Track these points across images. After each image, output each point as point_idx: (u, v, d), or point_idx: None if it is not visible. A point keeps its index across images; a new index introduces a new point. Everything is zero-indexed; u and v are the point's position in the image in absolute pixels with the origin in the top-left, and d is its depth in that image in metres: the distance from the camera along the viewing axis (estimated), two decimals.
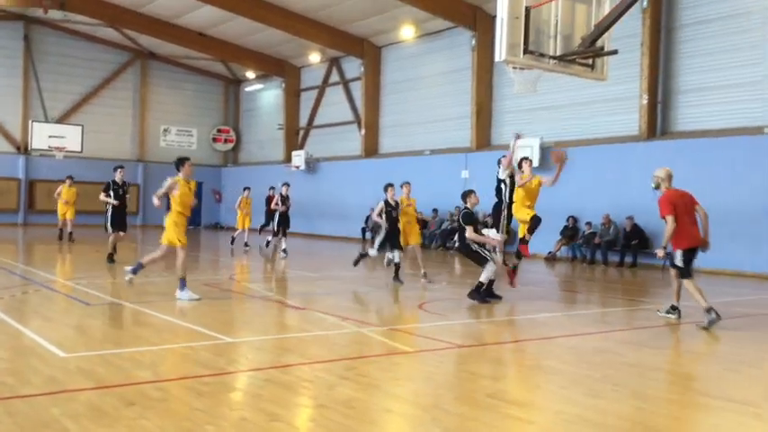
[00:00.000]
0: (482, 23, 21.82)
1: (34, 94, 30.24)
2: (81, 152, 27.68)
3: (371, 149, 26.97)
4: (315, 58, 29.18)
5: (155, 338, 7.07)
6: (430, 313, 9.13)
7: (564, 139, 20.00)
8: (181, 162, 9.70)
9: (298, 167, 29.38)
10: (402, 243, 12.37)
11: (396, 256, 12.08)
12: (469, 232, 9.81)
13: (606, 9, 9.66)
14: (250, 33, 27.73)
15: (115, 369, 5.70)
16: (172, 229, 9.53)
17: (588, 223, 18.88)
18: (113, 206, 14.75)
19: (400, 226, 12.34)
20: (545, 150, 20.01)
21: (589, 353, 7.15)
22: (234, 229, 22.10)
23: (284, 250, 17.84)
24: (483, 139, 22.50)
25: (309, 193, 28.06)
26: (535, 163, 19.69)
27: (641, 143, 17.94)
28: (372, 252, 12.29)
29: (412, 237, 12.63)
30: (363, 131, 27.05)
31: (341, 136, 28.81)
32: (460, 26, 22.44)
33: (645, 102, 17.78)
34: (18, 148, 30.05)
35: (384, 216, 12.16)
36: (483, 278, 9.79)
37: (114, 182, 15.11)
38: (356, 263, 12.63)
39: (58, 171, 29.71)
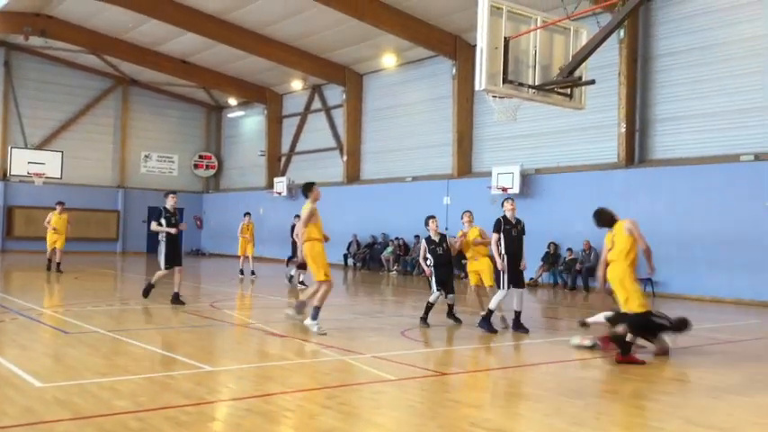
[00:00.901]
0: (462, 52, 22.12)
1: (14, 120, 30.03)
2: (61, 178, 27.43)
3: (353, 176, 27.05)
4: (297, 85, 29.35)
5: (134, 367, 6.97)
6: (412, 340, 9.10)
7: (544, 166, 20.22)
8: (309, 188, 9.50)
9: (280, 194, 29.36)
10: (472, 282, 10.91)
11: (450, 298, 10.42)
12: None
13: (584, 40, 9.87)
14: (232, 61, 27.86)
15: (93, 399, 5.60)
16: (320, 261, 9.17)
17: (569, 249, 19.02)
18: (167, 238, 12.40)
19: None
20: (525, 177, 20.22)
21: (571, 380, 7.17)
22: (237, 257, 21.87)
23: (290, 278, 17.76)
24: (464, 166, 22.68)
25: (291, 219, 27.98)
26: (515, 189, 20.00)
27: (620, 170, 18.18)
28: (433, 298, 10.28)
29: (485, 275, 10.49)
30: (345, 158, 27.14)
31: (323, 162, 28.89)
32: (441, 55, 22.72)
33: (623, 130, 18.06)
34: None
35: (430, 256, 10.35)
36: (492, 305, 9.86)
37: (166, 209, 12.67)
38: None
39: (38, 197, 29.52)
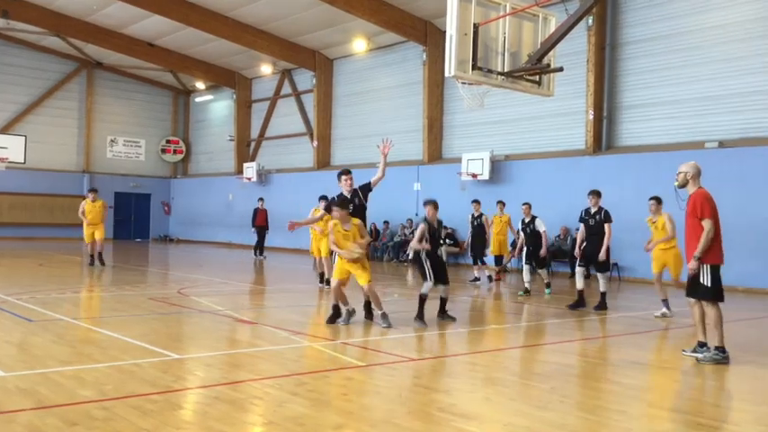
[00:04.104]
0: (433, 38, 22.09)
1: None
2: (24, 163, 26.85)
3: (324, 161, 26.94)
4: (266, 69, 29.06)
5: (100, 356, 6.88)
6: (381, 326, 9.13)
7: (513, 153, 20.35)
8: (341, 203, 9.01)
9: (249, 179, 29.14)
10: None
11: (443, 290, 9.58)
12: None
13: (552, 27, 9.92)
14: (200, 44, 27.46)
15: (57, 388, 5.52)
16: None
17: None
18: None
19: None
20: (495, 164, 20.33)
21: (538, 364, 7.26)
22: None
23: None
24: (435, 152, 22.71)
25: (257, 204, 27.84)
26: (485, 176, 20.11)
27: (588, 157, 18.38)
28: (427, 288, 9.37)
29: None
30: (316, 143, 27.01)
31: (293, 148, 28.71)
32: (411, 41, 22.67)
33: (591, 117, 18.23)
34: None
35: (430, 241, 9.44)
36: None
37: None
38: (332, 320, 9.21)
39: (1, 182, 28.89)
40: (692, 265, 7.06)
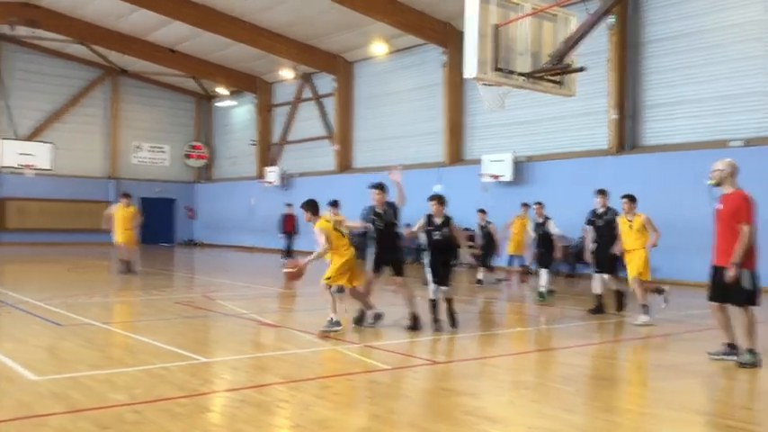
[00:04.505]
0: (452, 40, 22.05)
1: (2, 111, 29.81)
2: (51, 170, 27.31)
3: (345, 164, 27.03)
4: (287, 74, 29.22)
5: (129, 359, 7.00)
6: (406, 329, 9.15)
7: (535, 154, 20.26)
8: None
9: (271, 183, 29.32)
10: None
11: (445, 291, 9.15)
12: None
13: (573, 27, 9.87)
14: (220, 49, 27.71)
15: (89, 392, 5.63)
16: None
17: (562, 237, 19.06)
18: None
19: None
20: (517, 165, 20.26)
21: (562, 367, 7.24)
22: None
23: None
24: (456, 154, 22.69)
25: (283, 208, 28.00)
26: (508, 177, 20.05)
27: (611, 157, 18.24)
28: (432, 292, 9.11)
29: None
30: (337, 147, 27.11)
31: (314, 151, 28.84)
32: (431, 43, 22.67)
33: (614, 116, 18.10)
34: None
35: (424, 236, 9.33)
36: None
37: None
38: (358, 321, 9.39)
39: (29, 189, 29.43)
40: (733, 272, 6.73)
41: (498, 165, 20.42)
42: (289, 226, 22.24)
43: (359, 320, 9.17)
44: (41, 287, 13.32)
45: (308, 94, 29.36)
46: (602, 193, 10.97)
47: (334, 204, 13.75)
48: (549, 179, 19.58)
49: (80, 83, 31.91)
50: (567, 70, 9.69)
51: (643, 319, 9.76)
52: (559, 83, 9.96)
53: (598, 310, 10.77)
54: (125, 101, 33.16)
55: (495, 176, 20.28)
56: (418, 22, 21.78)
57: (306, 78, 29.15)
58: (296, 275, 8.98)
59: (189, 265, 22.91)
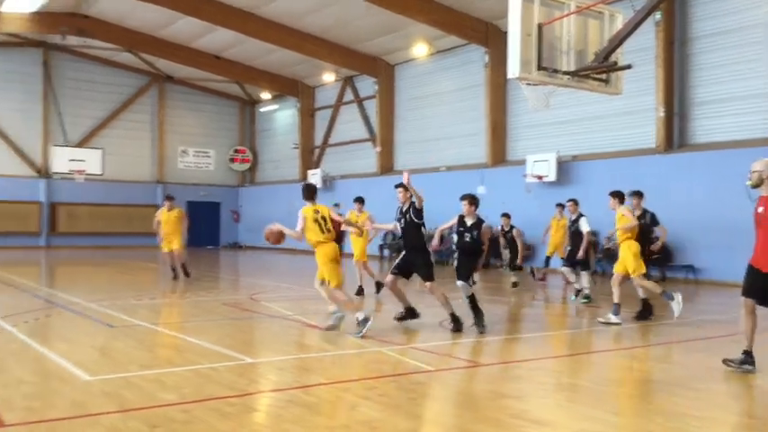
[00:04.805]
0: (494, 40, 21.91)
1: (54, 119, 30.73)
2: (101, 175, 28.07)
3: (387, 166, 27.08)
4: (328, 77, 29.45)
5: (178, 360, 7.13)
6: (449, 331, 9.11)
7: (580, 153, 19.98)
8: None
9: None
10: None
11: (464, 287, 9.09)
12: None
13: (619, 24, 9.72)
14: (264, 55, 28.07)
15: (139, 391, 5.75)
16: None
17: (608, 237, 18.74)
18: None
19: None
20: (561, 165, 20.00)
21: (611, 369, 7.11)
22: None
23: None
24: (499, 154, 22.52)
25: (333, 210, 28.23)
26: (552, 177, 19.81)
27: (658, 156, 17.87)
28: (464, 290, 9.11)
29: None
30: (378, 149, 27.17)
31: (356, 153, 28.98)
32: (473, 43, 22.55)
33: (661, 114, 17.73)
34: (39, 172, 30.49)
35: (457, 239, 9.43)
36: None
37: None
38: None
39: (79, 194, 30.29)
40: None
41: (542, 165, 20.20)
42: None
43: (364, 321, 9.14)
44: (92, 289, 13.66)
45: (349, 96, 29.52)
46: (637, 194, 10.66)
47: (360, 201, 13.70)
48: (594, 179, 19.28)
49: (128, 90, 32.70)
50: (614, 68, 9.55)
51: (613, 317, 9.69)
52: (605, 81, 9.82)
53: (645, 312, 10.51)
54: (171, 107, 33.86)
55: (539, 177, 20.07)
56: (459, 23, 21.70)
57: (347, 81, 29.32)
58: (274, 236, 8.84)
59: (234, 267, 23.24)
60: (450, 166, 24.27)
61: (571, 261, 12.83)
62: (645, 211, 10.57)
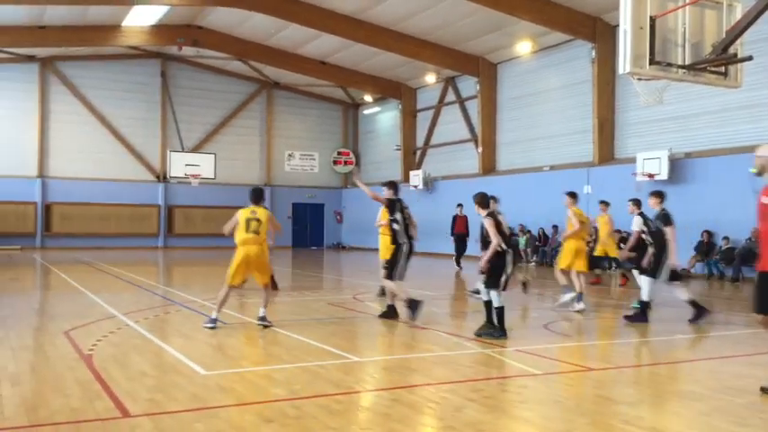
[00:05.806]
0: (602, 34, 21.25)
1: (171, 126, 32.49)
2: (214, 178, 29.41)
3: (489, 167, 26.80)
4: (430, 78, 29.50)
5: (287, 357, 7.36)
6: (555, 334, 8.91)
7: (694, 150, 19.01)
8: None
9: (416, 187, 29.66)
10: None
11: (491, 296, 8.54)
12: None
13: (738, 14, 9.19)
14: (367, 59, 28.49)
15: (252, 386, 5.98)
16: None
17: (725, 238, 17.76)
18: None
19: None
20: (674, 162, 19.10)
21: (731, 377, 6.73)
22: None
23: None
24: (606, 152, 21.79)
25: (427, 212, 28.15)
26: (663, 176, 18.95)
27: None
28: (495, 299, 8.49)
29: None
30: (480, 149, 26.94)
31: (458, 154, 28.86)
32: (579, 38, 21.95)
33: None
34: (158, 177, 32.32)
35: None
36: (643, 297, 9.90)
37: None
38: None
39: (194, 197, 31.88)
40: None
41: (653, 163, 19.37)
42: (460, 227, 20.71)
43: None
44: (207, 288, 14.30)
45: (451, 97, 29.44)
46: (655, 194, 10.08)
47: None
48: (710, 176, 18.31)
49: (239, 97, 34.08)
50: (733, 60, 9.03)
51: (577, 304, 10.68)
52: (724, 74, 9.30)
53: (700, 313, 9.84)
54: (278, 112, 35.00)
55: (651, 175, 19.26)
56: (565, 18, 21.20)
57: (449, 82, 29.26)
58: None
59: (337, 267, 23.69)
60: (553, 166, 23.72)
61: (644, 270, 12.17)
62: (662, 210, 10.01)
